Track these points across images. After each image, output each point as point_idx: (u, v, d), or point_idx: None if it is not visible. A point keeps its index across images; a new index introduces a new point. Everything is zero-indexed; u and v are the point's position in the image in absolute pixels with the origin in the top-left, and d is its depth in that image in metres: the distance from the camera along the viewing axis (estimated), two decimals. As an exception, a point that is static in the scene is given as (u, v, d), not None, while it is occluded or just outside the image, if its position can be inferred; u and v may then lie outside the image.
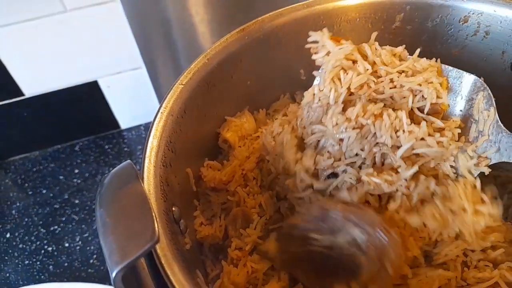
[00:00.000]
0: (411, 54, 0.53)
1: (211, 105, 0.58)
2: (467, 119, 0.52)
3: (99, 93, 1.10)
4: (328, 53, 0.50)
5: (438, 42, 0.63)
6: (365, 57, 0.51)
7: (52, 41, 0.96)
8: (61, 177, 1.09)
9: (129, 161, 0.36)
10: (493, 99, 0.50)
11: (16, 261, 0.92)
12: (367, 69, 0.49)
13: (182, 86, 0.52)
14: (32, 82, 1.02)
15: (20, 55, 0.96)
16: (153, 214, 0.31)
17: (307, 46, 0.52)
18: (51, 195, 1.05)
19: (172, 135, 0.48)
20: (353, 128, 0.47)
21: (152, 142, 0.45)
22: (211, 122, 0.60)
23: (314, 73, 0.54)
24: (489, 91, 0.50)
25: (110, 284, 0.82)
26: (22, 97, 1.03)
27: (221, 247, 0.56)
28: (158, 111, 0.48)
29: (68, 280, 0.89)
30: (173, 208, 0.45)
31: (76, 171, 1.10)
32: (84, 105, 1.12)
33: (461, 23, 0.61)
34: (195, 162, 0.57)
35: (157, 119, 0.47)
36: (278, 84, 0.67)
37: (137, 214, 0.31)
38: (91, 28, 0.96)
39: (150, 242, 0.29)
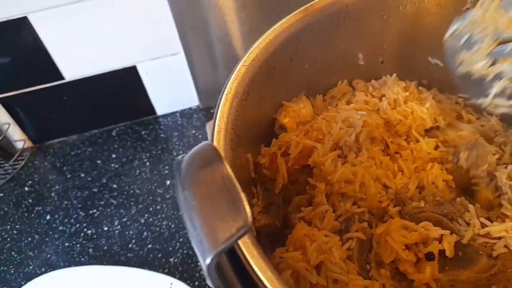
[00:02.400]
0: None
1: (270, 89, 0.56)
2: None
3: (137, 78, 1.09)
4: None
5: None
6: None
7: (93, 25, 0.95)
8: (98, 162, 1.09)
9: (208, 141, 0.34)
10: None
11: (57, 242, 0.93)
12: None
13: (246, 67, 0.49)
14: (73, 66, 1.02)
15: (61, 39, 0.96)
16: (243, 197, 0.29)
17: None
18: (89, 179, 1.05)
19: (237, 117, 0.46)
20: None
21: (219, 125, 0.43)
22: (269, 106, 0.58)
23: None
24: None
25: (150, 269, 0.81)
26: (63, 81, 1.03)
27: (278, 236, 0.54)
28: (223, 92, 0.46)
29: (108, 264, 0.89)
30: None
31: (114, 155, 1.10)
32: (122, 90, 1.11)
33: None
34: (254, 148, 0.55)
35: (222, 101, 0.46)
36: (336, 69, 0.64)
37: (225, 197, 0.29)
38: (132, 11, 0.95)
39: (244, 227, 0.28)
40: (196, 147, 0.34)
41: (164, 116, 1.18)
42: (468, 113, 0.66)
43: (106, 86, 1.08)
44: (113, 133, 1.16)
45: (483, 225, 0.48)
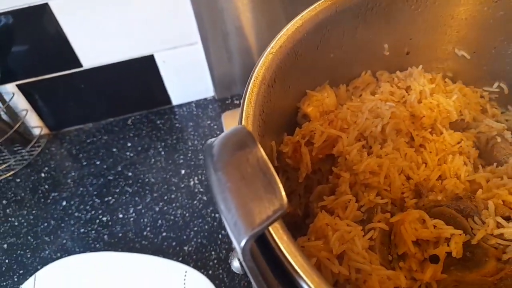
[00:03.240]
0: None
1: (296, 77, 0.55)
2: None
3: (155, 67, 1.09)
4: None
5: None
6: None
7: (112, 13, 0.95)
8: (114, 150, 1.09)
9: (242, 125, 0.33)
10: None
11: (72, 228, 0.94)
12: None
13: (272, 55, 0.49)
14: (91, 54, 1.02)
15: (81, 26, 0.96)
16: (278, 180, 0.29)
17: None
18: (105, 166, 1.05)
19: (265, 104, 0.46)
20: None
21: (247, 111, 0.43)
22: (293, 95, 0.57)
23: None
24: None
25: (164, 257, 0.81)
26: (81, 69, 1.04)
27: (299, 225, 0.54)
28: (251, 78, 0.46)
29: (123, 250, 0.89)
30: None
31: (129, 144, 1.10)
32: (139, 79, 1.11)
33: None
34: (278, 136, 0.55)
35: (250, 86, 0.45)
36: (360, 59, 0.63)
37: (261, 180, 0.29)
38: (151, 2, 0.95)
39: (280, 209, 0.27)
40: (228, 130, 0.34)
41: (180, 106, 1.18)
42: (492, 107, 0.65)
43: (123, 74, 1.08)
44: (129, 121, 1.16)
45: (499, 225, 0.47)
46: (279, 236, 0.33)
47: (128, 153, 1.08)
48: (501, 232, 0.46)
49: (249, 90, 0.45)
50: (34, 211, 0.97)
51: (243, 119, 0.42)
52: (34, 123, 1.11)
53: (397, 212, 0.51)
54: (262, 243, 0.35)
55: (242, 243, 0.27)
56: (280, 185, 0.29)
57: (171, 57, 1.07)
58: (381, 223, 0.49)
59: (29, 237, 0.93)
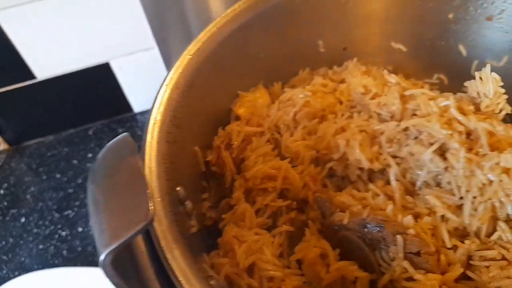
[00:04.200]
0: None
1: (222, 79, 0.54)
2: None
3: (112, 75, 1.07)
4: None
5: (471, 6, 0.57)
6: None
7: (63, 22, 0.92)
8: (74, 162, 1.07)
9: (126, 133, 0.32)
10: None
11: (31, 245, 0.91)
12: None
13: (190, 57, 0.47)
14: (44, 65, 1.00)
15: (30, 36, 0.93)
16: (148, 191, 0.27)
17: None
18: (65, 179, 1.03)
19: (178, 109, 0.44)
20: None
21: (156, 116, 0.41)
22: (223, 97, 0.56)
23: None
24: None
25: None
26: (34, 81, 1.01)
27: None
28: (163, 83, 0.44)
29: (82, 265, 0.87)
30: (178, 188, 0.41)
31: (90, 155, 1.08)
32: (97, 88, 1.09)
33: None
34: (205, 140, 0.53)
35: (161, 92, 0.44)
36: (296, 58, 0.62)
37: (131, 191, 0.27)
38: (102, 7, 0.93)
39: (143, 222, 0.26)
40: (113, 140, 0.32)
41: (142, 113, 1.16)
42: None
43: (80, 84, 1.06)
44: (90, 132, 1.14)
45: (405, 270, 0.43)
46: (169, 250, 0.32)
47: (89, 164, 1.05)
48: (408, 276, 0.43)
49: (158, 96, 0.43)
50: (-8, 229, 0.95)
51: (149, 126, 0.41)
52: (-8, 138, 1.09)
53: (304, 207, 0.50)
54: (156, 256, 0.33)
55: (102, 257, 0.25)
56: (149, 196, 0.27)
57: (127, 64, 1.05)
58: (286, 226, 0.47)
59: (-14, 256, 0.90)
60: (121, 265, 0.27)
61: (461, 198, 0.46)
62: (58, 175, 1.04)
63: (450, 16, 0.58)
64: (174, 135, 0.43)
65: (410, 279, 0.43)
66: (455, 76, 0.54)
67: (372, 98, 0.55)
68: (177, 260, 0.31)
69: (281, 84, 0.62)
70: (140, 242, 0.33)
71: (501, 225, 0.45)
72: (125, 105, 1.14)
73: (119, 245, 0.25)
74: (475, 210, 0.45)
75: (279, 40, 0.58)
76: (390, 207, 0.46)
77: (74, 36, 0.96)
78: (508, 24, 0.55)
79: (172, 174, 0.40)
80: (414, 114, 0.53)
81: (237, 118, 0.57)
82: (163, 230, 0.33)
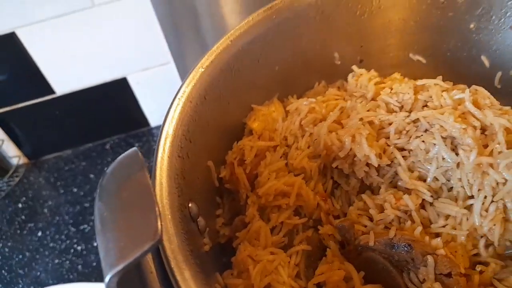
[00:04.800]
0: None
1: (236, 92, 0.53)
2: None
3: (129, 90, 1.08)
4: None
5: (495, 15, 0.55)
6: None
7: (81, 37, 0.94)
8: (91, 176, 1.08)
9: (135, 148, 0.31)
10: None
11: (47, 260, 0.92)
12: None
13: (203, 70, 0.47)
14: (63, 80, 1.02)
15: (50, 53, 0.95)
16: (157, 209, 0.26)
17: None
18: (82, 193, 1.04)
19: (191, 123, 0.44)
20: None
21: (167, 131, 0.41)
22: (236, 111, 0.55)
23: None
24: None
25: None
26: (54, 95, 1.03)
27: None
28: (175, 96, 0.44)
29: (96, 280, 0.87)
30: (190, 204, 0.40)
31: (107, 169, 1.08)
32: (115, 102, 1.10)
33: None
34: (219, 155, 0.52)
35: (173, 106, 0.43)
36: (311, 70, 0.61)
37: (139, 208, 0.26)
38: (119, 23, 0.94)
39: (151, 241, 0.25)
40: (122, 155, 0.31)
41: (158, 127, 1.17)
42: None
43: (98, 99, 1.07)
44: (107, 146, 1.15)
45: None
46: (179, 271, 0.30)
47: (105, 178, 1.06)
48: None
49: (171, 110, 0.43)
50: (9, 243, 0.96)
51: (161, 140, 0.40)
52: (12, 152, 1.11)
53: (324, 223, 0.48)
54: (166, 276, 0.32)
55: (107, 279, 0.24)
56: (157, 214, 0.26)
57: (144, 78, 1.06)
58: (302, 245, 0.45)
59: (3, 271, 0.91)
60: (128, 286, 0.26)
61: (472, 197, 0.43)
62: (75, 189, 1.05)
63: (472, 26, 0.56)
64: (187, 149, 0.42)
65: None
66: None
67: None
68: (187, 282, 0.30)
69: (296, 98, 0.60)
70: (149, 262, 0.31)
71: None
72: (142, 120, 1.15)
73: (126, 266, 0.24)
74: (486, 210, 0.42)
75: (294, 53, 0.57)
76: (419, 229, 0.44)
77: (92, 51, 0.98)
78: (534, 33, 0.53)
79: (184, 190, 0.39)
80: (425, 106, 0.50)
81: (251, 132, 0.56)
82: (173, 249, 0.32)
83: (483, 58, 0.57)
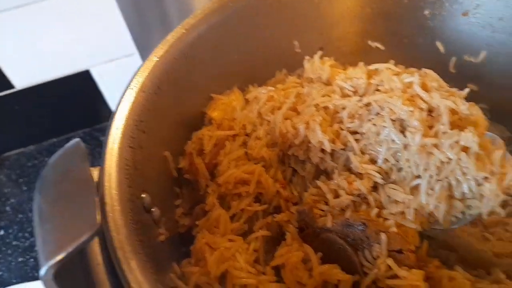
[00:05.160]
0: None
1: (194, 81, 0.52)
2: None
3: (92, 83, 1.05)
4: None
5: (448, 2, 0.56)
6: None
7: (41, 29, 0.91)
8: (56, 171, 1.05)
9: (78, 139, 0.30)
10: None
11: (10, 258, 0.89)
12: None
13: (157, 59, 0.46)
14: (23, 74, 0.98)
15: (7, 45, 0.92)
16: (97, 200, 0.25)
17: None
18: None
19: (144, 113, 0.43)
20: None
21: (118, 121, 0.40)
22: (196, 100, 0.54)
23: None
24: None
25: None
26: (13, 90, 0.99)
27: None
28: (127, 87, 0.43)
29: (63, 278, 0.85)
30: (143, 195, 0.39)
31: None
32: (79, 96, 1.07)
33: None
34: (178, 145, 0.52)
35: (125, 96, 0.42)
36: (271, 59, 0.61)
37: (78, 200, 0.26)
38: (80, 14, 0.91)
39: (89, 232, 0.24)
40: (64, 146, 0.30)
41: (125, 120, 1.14)
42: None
43: (61, 92, 1.04)
44: (72, 141, 1.11)
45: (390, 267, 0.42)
46: (125, 261, 0.30)
47: (71, 174, 1.03)
48: (393, 274, 0.42)
49: (122, 100, 0.42)
50: (-30, 243, 0.93)
51: (111, 131, 0.39)
52: (-29, 150, 1.06)
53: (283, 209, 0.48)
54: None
55: (42, 272, 0.23)
56: (96, 205, 0.25)
57: (108, 71, 1.04)
58: (262, 231, 0.46)
59: (-37, 271, 0.88)
60: (69, 278, 0.25)
61: (419, 176, 0.45)
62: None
63: (426, 12, 0.57)
64: (139, 140, 0.41)
65: (393, 277, 0.42)
66: (434, 72, 0.52)
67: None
68: (134, 272, 0.29)
69: (257, 87, 0.60)
70: (96, 253, 0.31)
71: (457, 204, 0.44)
72: (108, 113, 1.12)
73: (63, 258, 0.23)
74: (432, 189, 0.44)
75: (254, 41, 0.57)
76: (375, 211, 0.46)
77: (52, 44, 0.94)
78: (484, 19, 0.54)
79: (136, 180, 0.39)
80: (378, 90, 0.51)
81: (211, 121, 0.55)
82: (120, 239, 0.31)
83: (438, 44, 0.59)
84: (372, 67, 0.53)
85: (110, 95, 1.09)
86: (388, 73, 0.51)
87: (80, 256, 0.28)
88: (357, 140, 0.48)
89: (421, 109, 0.46)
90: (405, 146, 0.45)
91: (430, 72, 0.51)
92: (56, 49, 0.95)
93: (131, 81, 0.44)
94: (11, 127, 1.06)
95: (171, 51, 0.47)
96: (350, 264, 0.45)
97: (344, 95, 0.52)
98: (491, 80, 0.57)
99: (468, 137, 0.43)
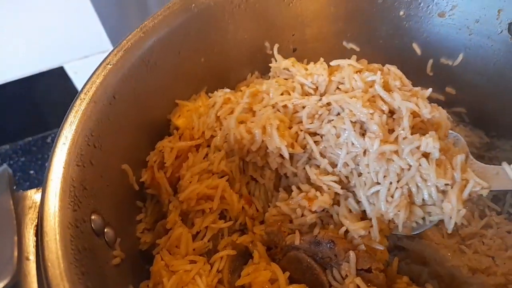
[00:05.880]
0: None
1: (156, 88, 0.49)
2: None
3: (67, 79, 1.02)
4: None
5: (423, 2, 0.53)
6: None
7: (10, 24, 0.87)
8: (31, 172, 1.02)
9: (4, 166, 0.27)
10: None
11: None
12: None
13: (110, 66, 0.43)
14: (-6, 71, 0.94)
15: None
16: (15, 238, 0.23)
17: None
18: (21, 191, 0.98)
19: (96, 126, 0.40)
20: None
21: (63, 138, 0.37)
22: (160, 108, 0.52)
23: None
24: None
25: None
26: (-16, 88, 0.96)
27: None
28: (75, 99, 0.40)
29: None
30: (92, 217, 0.37)
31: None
32: (53, 93, 1.04)
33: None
34: (140, 156, 0.49)
35: (72, 110, 0.39)
36: (243, 61, 0.58)
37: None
38: (50, 8, 0.88)
39: (3, 281, 0.21)
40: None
41: (103, 118, 1.11)
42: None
43: (35, 89, 1.01)
44: (48, 140, 1.08)
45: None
46: None
47: (46, 174, 1.01)
48: None
49: (70, 114, 0.39)
50: None
51: (56, 149, 0.37)
52: None
53: (249, 228, 0.46)
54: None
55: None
56: (15, 246, 0.23)
57: (83, 67, 1.00)
58: (226, 250, 0.44)
59: None
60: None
61: (378, 183, 0.43)
62: (13, 187, 0.99)
63: (401, 13, 0.54)
64: (90, 156, 0.39)
65: None
66: (411, 75, 0.50)
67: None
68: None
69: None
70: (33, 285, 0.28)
71: (417, 211, 0.42)
72: (84, 110, 1.09)
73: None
74: (392, 196, 0.42)
75: (222, 43, 0.54)
76: (343, 229, 0.44)
77: (23, 39, 0.91)
78: (461, 21, 0.51)
79: (85, 201, 0.36)
80: (338, 88, 0.49)
81: (177, 128, 0.53)
82: (58, 275, 0.29)
83: (415, 45, 0.56)
84: (334, 63, 0.50)
85: (86, 92, 1.05)
86: (350, 70, 0.48)
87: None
88: (316, 142, 0.46)
89: (382, 111, 0.44)
90: (365, 152, 0.43)
91: (393, 68, 0.48)
92: (28, 45, 0.92)
93: (81, 91, 0.41)
94: (-17, 126, 1.03)
95: (127, 57, 0.44)
96: (317, 284, 0.43)
97: (305, 93, 0.50)
98: (469, 83, 0.55)
99: (429, 143, 0.41)
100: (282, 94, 0.49)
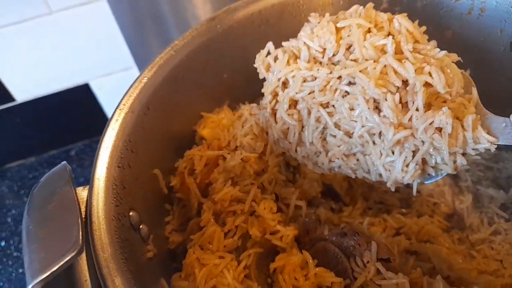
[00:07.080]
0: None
1: (183, 101, 0.54)
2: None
3: (92, 95, 1.07)
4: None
5: (430, 24, 0.57)
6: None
7: (40, 44, 0.94)
8: (56, 183, 1.07)
9: (64, 163, 0.32)
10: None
11: (10, 269, 0.91)
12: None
13: (146, 80, 0.48)
14: (23, 88, 1.01)
15: (8, 60, 0.94)
16: (79, 221, 0.27)
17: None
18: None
19: (133, 133, 0.45)
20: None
21: (106, 142, 0.42)
22: (186, 119, 0.56)
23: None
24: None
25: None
26: (14, 103, 1.02)
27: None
28: (116, 108, 0.45)
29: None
30: (130, 213, 0.41)
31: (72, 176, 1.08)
32: (78, 108, 1.10)
33: (453, 1, 0.55)
34: (168, 163, 0.53)
35: (114, 117, 0.44)
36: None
37: (62, 221, 0.28)
38: (78, 29, 0.94)
39: (72, 252, 0.26)
40: (50, 171, 0.32)
41: (123, 132, 1.16)
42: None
43: (61, 105, 1.07)
44: (72, 153, 1.14)
45: (379, 271, 0.45)
46: (110, 278, 0.32)
47: (70, 185, 1.05)
48: (380, 281, 0.45)
49: (111, 121, 0.44)
50: (-28, 254, 0.95)
51: (100, 152, 0.41)
52: (-27, 161, 1.09)
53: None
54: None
55: (29, 289, 0.25)
56: (80, 226, 0.27)
57: (107, 84, 1.06)
58: (254, 248, 0.47)
59: (-36, 282, 0.90)
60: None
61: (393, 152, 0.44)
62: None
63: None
64: (128, 159, 0.43)
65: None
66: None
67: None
68: (118, 288, 0.31)
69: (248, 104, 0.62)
70: (84, 271, 0.33)
71: (430, 171, 0.45)
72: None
73: (47, 276, 0.25)
74: (407, 166, 0.44)
75: (242, 61, 0.59)
76: (366, 220, 0.51)
77: (52, 58, 0.97)
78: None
79: (124, 199, 0.41)
80: (348, 50, 0.46)
81: (202, 139, 0.57)
82: (106, 258, 0.33)
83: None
84: (340, 24, 0.47)
85: (109, 107, 1.11)
86: (359, 32, 0.45)
87: (69, 272, 0.30)
88: (330, 114, 0.46)
89: (396, 87, 0.43)
90: (380, 134, 0.44)
91: (404, 23, 0.46)
92: (56, 63, 0.98)
93: (120, 102, 0.46)
94: (12, 139, 1.09)
95: (159, 73, 0.50)
96: (341, 270, 0.48)
97: (312, 56, 0.48)
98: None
99: (442, 120, 0.41)
100: (288, 61, 0.49)
